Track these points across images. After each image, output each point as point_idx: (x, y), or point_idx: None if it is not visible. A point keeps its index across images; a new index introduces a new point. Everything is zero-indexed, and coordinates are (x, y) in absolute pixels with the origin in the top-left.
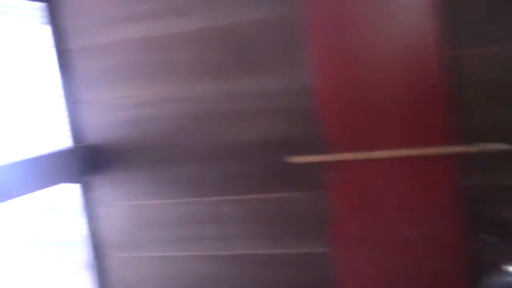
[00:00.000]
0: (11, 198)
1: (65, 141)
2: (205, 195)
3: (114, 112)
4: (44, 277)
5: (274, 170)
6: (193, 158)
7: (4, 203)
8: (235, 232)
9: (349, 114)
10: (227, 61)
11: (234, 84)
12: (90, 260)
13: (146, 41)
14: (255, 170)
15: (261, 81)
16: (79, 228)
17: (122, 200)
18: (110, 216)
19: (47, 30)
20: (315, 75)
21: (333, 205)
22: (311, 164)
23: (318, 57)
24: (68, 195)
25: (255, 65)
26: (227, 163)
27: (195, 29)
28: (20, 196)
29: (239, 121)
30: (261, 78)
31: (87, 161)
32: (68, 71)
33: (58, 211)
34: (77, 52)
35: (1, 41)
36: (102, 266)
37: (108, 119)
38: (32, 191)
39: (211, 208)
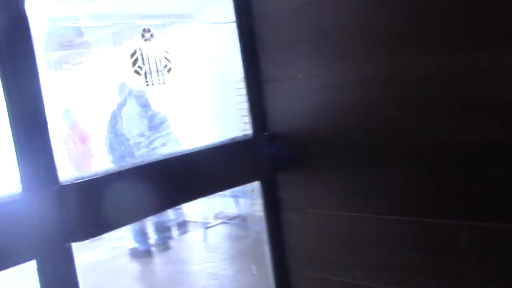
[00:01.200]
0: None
1: (245, 129)
2: (419, 214)
3: (306, 94)
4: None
5: None
6: (407, 161)
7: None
8: (460, 270)
9: None
10: (461, 24)
11: (470, 58)
12: (273, 271)
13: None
14: (493, 186)
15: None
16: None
17: (313, 206)
18: (298, 224)
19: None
20: None
21: None
22: None
23: None
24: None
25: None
26: (453, 173)
27: None
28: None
29: (471, 114)
30: None
31: (272, 154)
32: (250, 44)
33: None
34: (262, 18)
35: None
36: (286, 281)
37: (299, 102)
38: (202, 196)
39: (426, 233)
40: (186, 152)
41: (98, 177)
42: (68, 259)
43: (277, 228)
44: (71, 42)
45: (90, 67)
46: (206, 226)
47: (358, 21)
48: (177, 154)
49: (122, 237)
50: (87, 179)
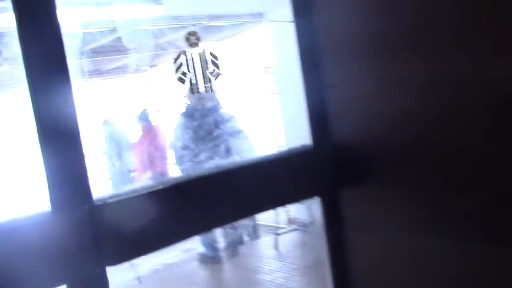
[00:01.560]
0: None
1: (304, 139)
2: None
3: (374, 100)
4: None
5: None
6: (493, 178)
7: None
8: None
9: None
10: None
11: None
12: None
13: None
14: None
15: None
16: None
17: (381, 227)
18: (363, 246)
19: None
20: None
21: None
22: None
23: None
24: None
25: None
26: None
27: None
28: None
29: None
30: None
31: (335, 167)
32: (310, 44)
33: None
34: (323, 15)
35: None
36: None
37: (366, 109)
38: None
39: None
40: (235, 167)
41: (135, 195)
42: (101, 284)
43: (340, 250)
44: (105, 47)
45: (166, 69)
46: (277, 233)
47: (434, 15)
48: (225, 169)
49: (197, 239)
50: (123, 197)
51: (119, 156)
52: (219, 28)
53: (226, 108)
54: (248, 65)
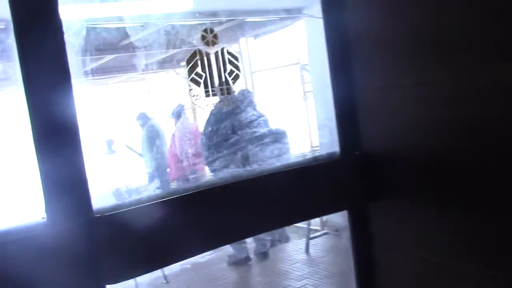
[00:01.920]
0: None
1: (330, 147)
2: None
3: (409, 106)
4: None
5: None
6: None
7: None
8: None
9: None
10: None
11: None
12: None
13: None
14: None
15: None
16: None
17: (411, 247)
18: (396, 267)
19: None
20: None
21: None
22: None
23: None
24: None
25: None
26: None
27: None
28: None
29: None
30: None
31: (364, 178)
32: (340, 44)
33: None
34: (355, 12)
35: None
36: None
37: (400, 115)
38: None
39: None
40: (253, 176)
41: (138, 207)
42: None
43: (367, 266)
44: (113, 45)
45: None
46: (309, 237)
47: (471, 19)
48: (241, 178)
49: None
50: (125, 208)
51: (158, 150)
52: (256, 24)
53: (260, 107)
54: (285, 62)
